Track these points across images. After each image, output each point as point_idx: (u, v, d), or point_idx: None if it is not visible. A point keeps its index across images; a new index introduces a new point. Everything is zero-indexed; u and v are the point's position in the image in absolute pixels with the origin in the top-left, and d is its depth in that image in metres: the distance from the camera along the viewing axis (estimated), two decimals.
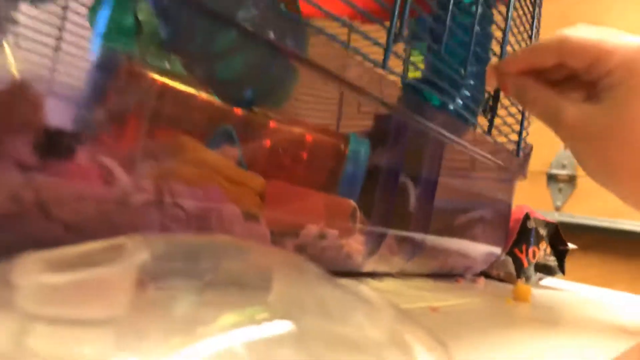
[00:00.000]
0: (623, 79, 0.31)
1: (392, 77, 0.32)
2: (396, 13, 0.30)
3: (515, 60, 0.36)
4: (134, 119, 0.26)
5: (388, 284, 0.39)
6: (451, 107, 0.43)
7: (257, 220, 0.26)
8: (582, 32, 0.33)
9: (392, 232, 0.38)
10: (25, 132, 0.19)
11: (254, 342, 0.13)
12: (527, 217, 0.61)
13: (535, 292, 0.54)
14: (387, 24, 0.29)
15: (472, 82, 0.46)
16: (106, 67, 0.26)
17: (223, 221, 0.24)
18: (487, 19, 0.48)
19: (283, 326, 0.14)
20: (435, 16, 0.40)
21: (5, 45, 0.21)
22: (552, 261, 0.63)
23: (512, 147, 0.52)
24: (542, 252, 0.62)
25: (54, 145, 0.19)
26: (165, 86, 0.30)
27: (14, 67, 0.21)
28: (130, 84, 0.27)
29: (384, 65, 0.29)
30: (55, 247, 0.16)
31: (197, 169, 0.24)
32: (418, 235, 0.42)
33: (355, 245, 0.34)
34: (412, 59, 0.43)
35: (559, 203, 1.52)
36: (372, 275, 0.41)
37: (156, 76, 0.29)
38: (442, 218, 0.48)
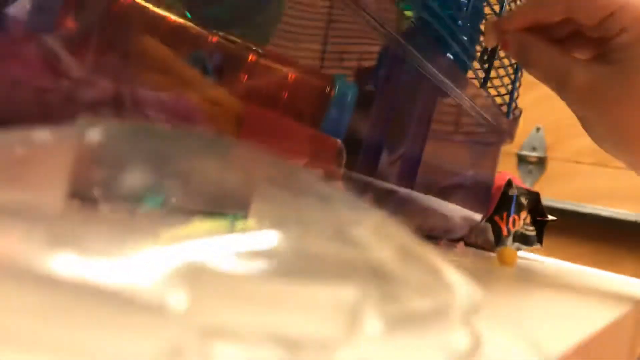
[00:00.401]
0: (631, 42, 0.28)
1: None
2: None
3: (517, 15, 0.33)
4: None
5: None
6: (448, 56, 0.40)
7: None
8: None
9: (373, 184, 0.35)
10: None
11: (229, 254, 0.10)
12: (509, 183, 0.59)
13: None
14: None
15: (465, 37, 0.43)
16: None
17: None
18: None
19: (268, 238, 0.11)
20: None
21: None
22: (530, 231, 0.62)
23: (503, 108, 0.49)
24: (522, 222, 0.60)
25: None
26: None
27: None
28: None
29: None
30: None
31: (164, 76, 0.20)
32: (402, 191, 0.39)
33: (340, 186, 0.31)
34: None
35: (528, 185, 1.53)
36: None
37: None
38: (426, 176, 0.45)
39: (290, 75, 0.37)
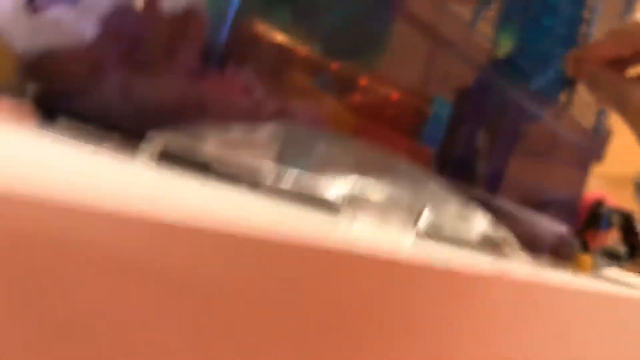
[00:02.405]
0: None
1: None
2: None
3: (593, 49, 0.39)
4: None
5: None
6: (539, 82, 0.46)
7: None
8: None
9: (461, 189, 0.42)
10: (193, 46, 0.24)
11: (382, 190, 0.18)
12: (599, 203, 0.62)
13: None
14: None
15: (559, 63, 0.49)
16: None
17: None
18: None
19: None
20: None
21: None
22: (621, 249, 0.64)
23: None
24: (611, 240, 0.63)
25: (212, 57, 0.25)
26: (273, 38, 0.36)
27: None
28: None
29: (472, 25, 0.33)
30: None
31: (307, 96, 0.30)
32: (488, 196, 0.46)
33: None
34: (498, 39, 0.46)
35: None
36: None
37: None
38: (514, 182, 0.51)
39: (394, 95, 0.46)
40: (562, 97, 0.48)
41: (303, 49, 0.37)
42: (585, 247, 0.62)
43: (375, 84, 0.44)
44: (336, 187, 0.16)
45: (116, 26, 0.25)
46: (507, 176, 0.49)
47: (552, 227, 0.58)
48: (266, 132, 0.20)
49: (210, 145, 0.18)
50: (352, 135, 0.32)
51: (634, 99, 0.36)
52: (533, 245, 0.58)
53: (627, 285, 0.50)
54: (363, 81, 0.44)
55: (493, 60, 0.48)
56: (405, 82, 0.47)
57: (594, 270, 0.58)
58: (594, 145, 0.55)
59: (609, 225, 0.63)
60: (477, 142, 0.44)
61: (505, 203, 0.49)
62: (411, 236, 0.15)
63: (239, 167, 0.18)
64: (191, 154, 0.18)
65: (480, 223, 0.18)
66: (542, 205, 0.57)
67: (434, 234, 0.16)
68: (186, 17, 0.25)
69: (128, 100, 0.25)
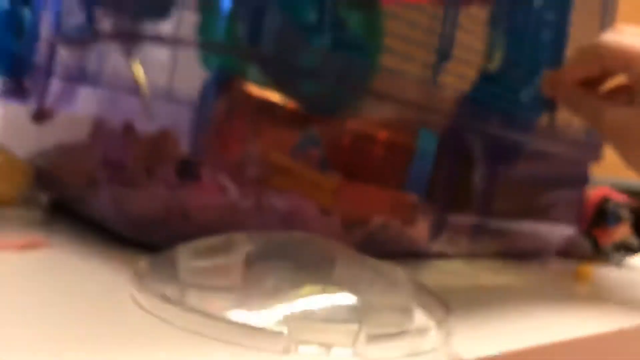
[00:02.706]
0: None
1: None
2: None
3: (565, 73, 0.40)
4: (239, 134, 0.35)
5: (453, 264, 0.45)
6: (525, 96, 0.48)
7: (330, 214, 0.34)
8: (617, 37, 0.36)
9: (454, 218, 0.44)
10: (169, 162, 0.28)
11: (329, 304, 0.21)
12: (605, 199, 0.63)
13: (611, 271, 0.57)
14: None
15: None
16: (216, 85, 0.35)
17: (304, 217, 0.32)
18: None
19: (345, 295, 0.21)
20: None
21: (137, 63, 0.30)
22: (633, 241, 0.65)
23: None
24: (621, 234, 0.64)
25: (187, 171, 0.28)
26: (262, 99, 0.39)
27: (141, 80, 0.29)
28: (236, 100, 0.36)
29: (434, 81, 0.35)
30: (192, 240, 0.25)
31: (285, 178, 0.32)
32: (483, 219, 0.48)
33: (419, 231, 0.41)
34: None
35: None
36: (441, 257, 0.47)
37: (254, 90, 0.38)
38: (510, 199, 0.53)
39: (381, 134, 0.48)
40: (546, 114, 0.49)
41: (285, 112, 0.40)
42: (596, 245, 0.63)
43: (363, 126, 0.46)
44: (281, 310, 0.19)
45: (103, 150, 0.29)
46: (506, 194, 0.51)
47: (559, 230, 0.59)
48: (238, 253, 0.23)
49: (184, 274, 0.21)
50: (331, 201, 0.34)
51: (607, 119, 0.38)
52: (544, 250, 0.60)
53: None
54: (350, 125, 0.46)
55: (484, 75, 0.50)
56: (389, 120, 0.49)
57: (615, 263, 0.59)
58: (589, 147, 0.56)
59: (618, 220, 0.63)
60: (470, 173, 0.46)
61: (505, 223, 0.51)
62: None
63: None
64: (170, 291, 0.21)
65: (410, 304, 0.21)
66: (546, 209, 0.59)
67: (376, 341, 0.19)
68: (160, 138, 0.28)
69: (119, 210, 0.29)
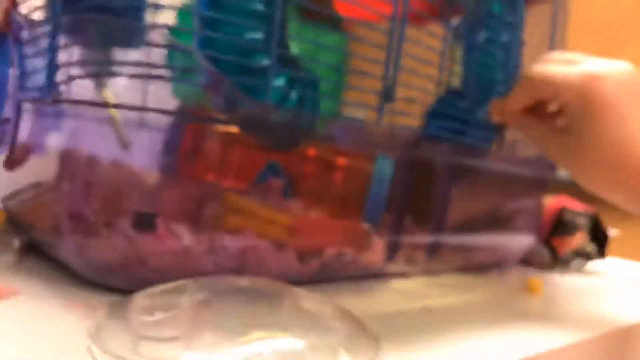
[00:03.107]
0: (576, 113, 0.37)
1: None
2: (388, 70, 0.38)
3: (506, 104, 0.43)
4: (200, 171, 0.37)
5: (409, 283, 0.48)
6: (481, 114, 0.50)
7: (284, 249, 0.37)
8: (545, 67, 0.39)
9: (410, 239, 0.47)
10: (126, 215, 0.30)
11: (264, 351, 0.23)
12: (563, 209, 0.66)
13: (569, 280, 0.60)
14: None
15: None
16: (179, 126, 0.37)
17: (258, 255, 0.35)
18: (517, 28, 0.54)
19: (278, 341, 0.24)
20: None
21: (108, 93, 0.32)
22: (590, 248, 0.68)
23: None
24: (579, 241, 0.67)
25: (143, 222, 0.30)
26: (224, 138, 0.41)
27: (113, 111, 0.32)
28: (199, 141, 0.38)
29: (378, 122, 0.38)
30: (149, 286, 0.28)
31: (239, 217, 0.35)
32: (440, 237, 0.50)
33: (374, 255, 0.43)
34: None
35: None
36: (400, 275, 0.50)
37: (217, 129, 0.40)
38: (469, 215, 0.56)
39: (340, 160, 0.51)
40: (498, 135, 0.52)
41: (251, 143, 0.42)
42: (555, 253, 0.66)
43: (323, 153, 0.49)
44: None
45: (66, 202, 0.31)
46: (464, 210, 0.54)
47: (519, 241, 0.63)
48: (186, 302, 0.25)
49: (136, 326, 0.24)
50: (286, 237, 0.37)
51: (549, 146, 0.40)
52: (505, 262, 0.63)
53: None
54: (310, 153, 0.49)
55: (440, 98, 0.53)
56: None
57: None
58: (546, 162, 0.59)
59: (575, 229, 0.66)
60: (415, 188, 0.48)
61: (464, 238, 0.53)
62: None
63: None
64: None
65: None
66: (506, 224, 0.62)
67: None
68: (117, 192, 0.30)
69: (82, 257, 0.31)
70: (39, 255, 0.38)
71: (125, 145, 0.32)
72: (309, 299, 0.28)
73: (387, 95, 0.38)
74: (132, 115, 0.32)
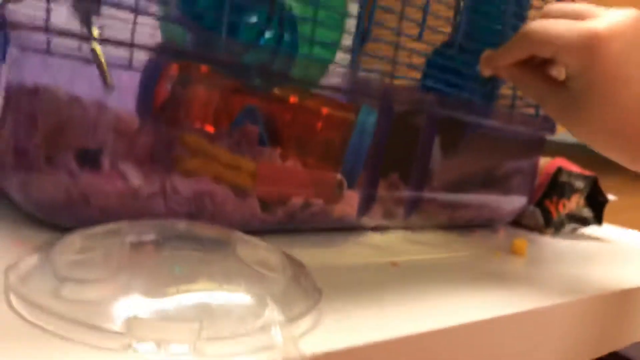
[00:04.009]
0: (576, 74, 0.34)
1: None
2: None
3: (499, 57, 0.40)
4: (173, 110, 0.35)
5: (386, 237, 0.46)
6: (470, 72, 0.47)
7: (248, 196, 0.35)
8: (544, 24, 0.36)
9: (382, 192, 0.45)
10: (69, 150, 0.28)
11: (181, 300, 0.22)
12: (559, 170, 0.63)
13: (560, 243, 0.58)
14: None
15: None
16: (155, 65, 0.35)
17: (216, 201, 0.33)
18: None
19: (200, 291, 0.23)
20: None
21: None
22: (586, 212, 0.65)
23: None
24: (575, 204, 0.64)
25: (86, 159, 0.28)
26: (201, 75, 0.39)
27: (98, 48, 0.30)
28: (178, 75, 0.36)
29: (352, 65, 0.35)
30: (93, 225, 0.26)
31: (198, 160, 0.33)
32: (416, 194, 0.48)
33: (347, 207, 0.42)
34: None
35: None
36: (381, 228, 0.49)
37: (193, 66, 0.38)
38: (454, 172, 0.53)
39: (323, 110, 0.48)
40: (489, 91, 0.49)
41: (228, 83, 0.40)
42: (548, 216, 0.63)
43: (303, 100, 0.47)
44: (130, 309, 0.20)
45: (9, 136, 0.30)
46: (454, 167, 0.52)
47: (511, 202, 0.60)
48: (117, 243, 0.24)
49: (60, 267, 0.23)
50: (252, 183, 0.35)
51: (549, 104, 0.38)
52: (493, 222, 0.61)
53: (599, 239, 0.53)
54: (292, 99, 0.47)
55: (436, 50, 0.50)
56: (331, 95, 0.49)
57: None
58: (543, 119, 0.56)
59: (571, 191, 0.64)
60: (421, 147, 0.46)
61: (451, 195, 0.51)
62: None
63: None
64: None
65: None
66: (501, 181, 0.59)
67: (216, 339, 0.20)
68: (61, 126, 0.28)
69: (27, 195, 0.30)
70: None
71: (109, 86, 0.30)
72: (255, 248, 0.27)
73: (362, 36, 0.36)
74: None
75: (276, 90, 0.45)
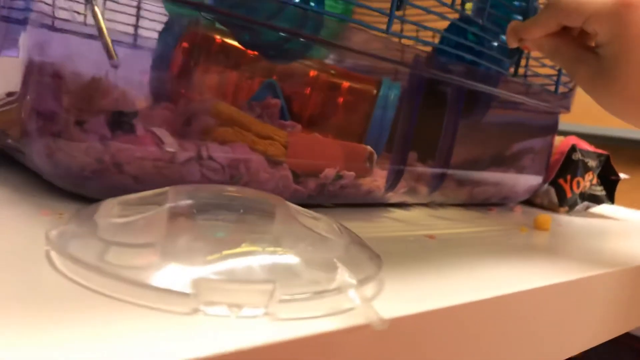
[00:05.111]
0: (605, 42, 0.34)
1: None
2: None
3: (527, 29, 0.39)
4: (190, 84, 0.33)
5: (412, 213, 0.45)
6: (494, 44, 0.46)
7: (281, 166, 0.34)
8: None
9: (410, 168, 0.44)
10: (102, 114, 0.27)
11: (248, 262, 0.20)
12: (572, 149, 0.63)
13: (576, 220, 0.58)
14: None
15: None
16: (173, 32, 0.33)
17: (250, 169, 0.31)
18: None
19: (266, 253, 0.21)
20: None
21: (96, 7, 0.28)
22: (599, 191, 0.65)
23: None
24: (588, 183, 0.64)
25: (120, 122, 0.27)
26: (221, 46, 0.37)
27: (102, 24, 0.28)
28: (195, 47, 0.34)
29: (387, 30, 0.34)
30: (126, 193, 0.24)
31: (231, 129, 0.31)
32: (439, 170, 0.47)
33: (376, 182, 0.40)
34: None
35: None
36: (404, 205, 0.47)
37: (213, 38, 0.36)
38: (473, 150, 0.52)
39: (343, 84, 0.47)
40: (513, 63, 0.48)
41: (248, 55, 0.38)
42: (561, 193, 0.63)
43: (326, 75, 0.45)
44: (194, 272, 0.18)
45: (33, 99, 0.27)
46: (474, 144, 0.51)
47: (527, 180, 0.60)
48: (164, 207, 0.22)
49: (104, 231, 0.21)
50: (283, 153, 0.34)
51: (580, 75, 0.37)
52: (508, 200, 0.60)
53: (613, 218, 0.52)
54: (312, 73, 0.45)
55: (454, 24, 0.48)
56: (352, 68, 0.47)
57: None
58: (559, 97, 0.55)
59: (585, 169, 0.63)
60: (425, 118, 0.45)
61: (472, 173, 0.50)
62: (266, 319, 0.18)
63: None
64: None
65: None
66: (516, 158, 0.58)
67: (289, 301, 0.18)
68: (92, 87, 0.26)
69: (52, 162, 0.28)
70: (12, 164, 0.35)
71: (114, 61, 0.28)
72: (305, 214, 0.25)
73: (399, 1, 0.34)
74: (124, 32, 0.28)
75: (298, 64, 0.43)
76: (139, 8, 0.28)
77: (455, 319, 0.23)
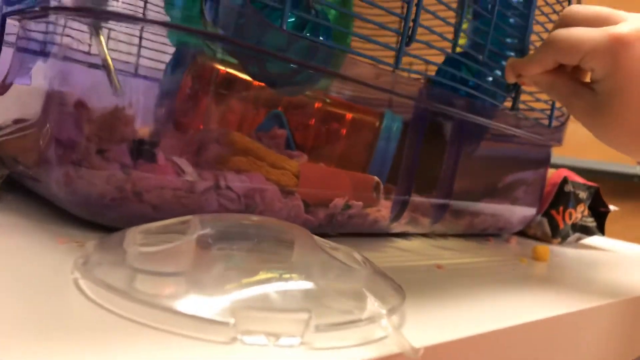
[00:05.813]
0: (601, 78, 0.35)
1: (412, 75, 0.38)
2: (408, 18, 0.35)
3: (525, 66, 0.40)
4: (202, 111, 0.34)
5: (414, 243, 0.45)
6: (489, 78, 0.48)
7: (293, 196, 0.34)
8: (568, 31, 0.36)
9: (415, 199, 0.44)
10: (123, 142, 0.27)
11: (281, 291, 0.20)
12: (564, 181, 0.64)
13: (569, 251, 0.59)
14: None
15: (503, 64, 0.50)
16: (181, 63, 0.34)
17: (265, 198, 0.32)
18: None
19: (298, 282, 0.21)
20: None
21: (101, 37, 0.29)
22: (590, 222, 0.66)
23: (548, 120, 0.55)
24: (580, 214, 0.65)
25: (142, 151, 0.27)
26: (227, 79, 0.38)
27: (107, 55, 0.28)
28: (201, 79, 0.35)
29: (396, 65, 0.35)
30: (143, 222, 0.25)
31: (245, 159, 0.32)
32: (442, 201, 0.48)
33: (381, 212, 0.41)
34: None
35: None
36: (404, 235, 0.48)
37: (220, 70, 0.37)
38: (471, 182, 0.53)
39: (347, 115, 0.48)
40: (509, 97, 0.49)
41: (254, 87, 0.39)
42: (553, 224, 0.64)
43: (329, 107, 0.46)
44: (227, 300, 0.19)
45: (54, 127, 0.28)
46: (470, 176, 0.52)
47: (521, 211, 0.61)
48: (189, 236, 0.22)
49: (132, 258, 0.21)
50: (295, 183, 0.34)
51: (576, 109, 0.38)
52: (504, 231, 0.61)
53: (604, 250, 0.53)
54: (317, 105, 0.46)
55: (450, 58, 0.50)
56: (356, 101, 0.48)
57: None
58: (552, 130, 0.57)
59: (577, 201, 0.65)
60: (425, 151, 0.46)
61: (469, 204, 0.51)
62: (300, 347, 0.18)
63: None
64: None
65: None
66: (510, 191, 0.60)
67: (325, 330, 0.19)
68: (114, 116, 0.27)
69: (70, 190, 0.28)
70: (23, 191, 0.35)
71: (117, 90, 0.29)
72: (326, 244, 0.26)
73: (408, 37, 0.35)
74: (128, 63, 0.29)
75: (303, 96, 0.44)
76: (162, 44, 0.29)
77: (481, 347, 0.23)
